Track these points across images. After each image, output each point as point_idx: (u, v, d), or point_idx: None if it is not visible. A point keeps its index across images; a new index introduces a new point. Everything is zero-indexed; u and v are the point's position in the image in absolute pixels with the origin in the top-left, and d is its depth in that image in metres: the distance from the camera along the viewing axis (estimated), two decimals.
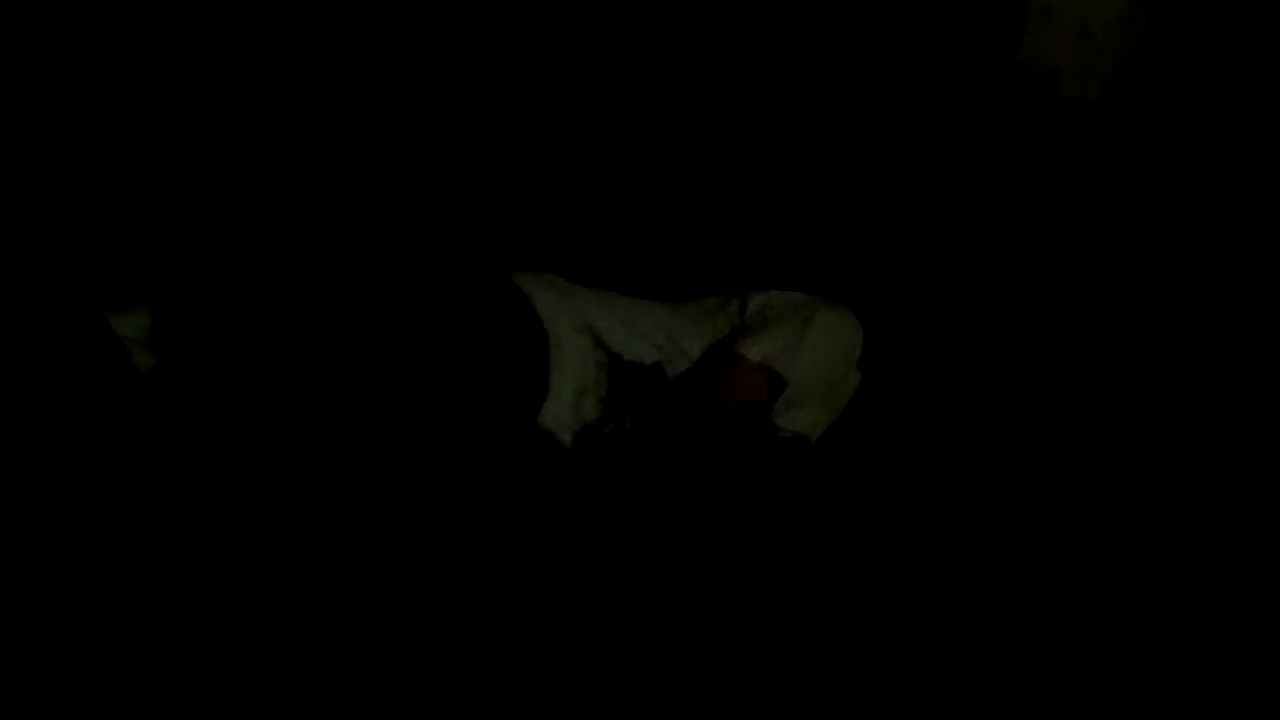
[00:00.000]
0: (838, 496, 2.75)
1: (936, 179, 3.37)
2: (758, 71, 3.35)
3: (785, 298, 2.79)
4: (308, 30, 3.16)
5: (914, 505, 2.75)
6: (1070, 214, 3.34)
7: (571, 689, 2.32)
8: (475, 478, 2.55)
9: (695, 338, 2.77)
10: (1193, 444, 2.94)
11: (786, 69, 3.37)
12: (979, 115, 3.41)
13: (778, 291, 2.80)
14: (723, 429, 2.70)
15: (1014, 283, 3.26)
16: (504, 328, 2.60)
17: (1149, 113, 3.35)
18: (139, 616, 2.30)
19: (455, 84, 3.22)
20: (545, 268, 2.79)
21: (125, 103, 3.02)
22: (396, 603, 2.39)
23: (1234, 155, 3.30)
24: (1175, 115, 3.34)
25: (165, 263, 2.77)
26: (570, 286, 2.75)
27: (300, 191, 3.04)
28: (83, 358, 2.42)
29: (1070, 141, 3.37)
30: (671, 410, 2.70)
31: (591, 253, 3.03)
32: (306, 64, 3.13)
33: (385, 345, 2.51)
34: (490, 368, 2.57)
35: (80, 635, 2.27)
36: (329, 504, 2.49)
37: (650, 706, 2.31)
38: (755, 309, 2.79)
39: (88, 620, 2.29)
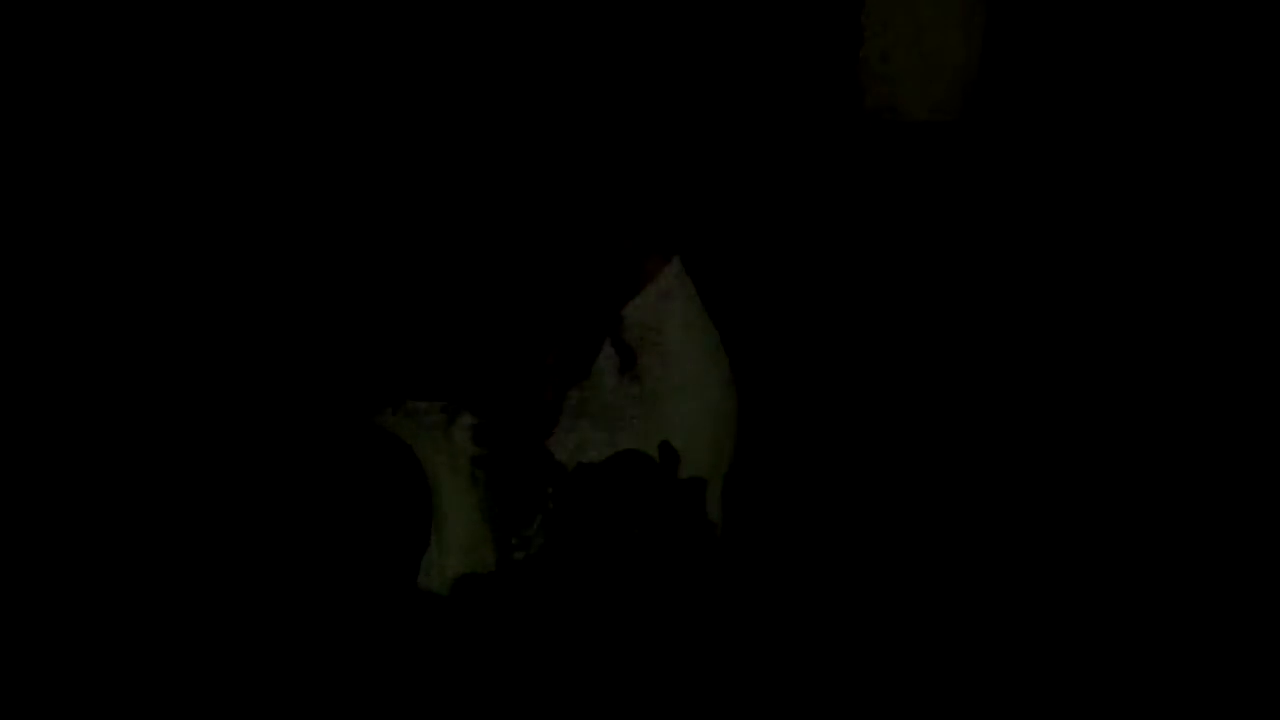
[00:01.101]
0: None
1: (787, 210, 3.26)
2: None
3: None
4: None
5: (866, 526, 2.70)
6: (929, 236, 3.26)
7: None
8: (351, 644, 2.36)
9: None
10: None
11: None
12: (825, 148, 3.30)
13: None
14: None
15: (877, 311, 3.16)
16: (376, 487, 2.40)
17: (1000, 127, 3.25)
18: None
19: None
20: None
21: None
22: None
23: (1093, 161, 3.22)
24: (1026, 127, 3.25)
25: None
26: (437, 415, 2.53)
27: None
28: None
29: (924, 164, 3.27)
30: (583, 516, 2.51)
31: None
32: None
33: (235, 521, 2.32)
34: (364, 530, 2.37)
35: None
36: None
37: None
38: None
39: None
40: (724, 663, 2.40)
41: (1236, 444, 2.90)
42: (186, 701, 2.23)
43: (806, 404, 2.95)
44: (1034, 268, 3.18)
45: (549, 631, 2.40)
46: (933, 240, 3.22)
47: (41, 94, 2.94)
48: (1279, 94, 3.24)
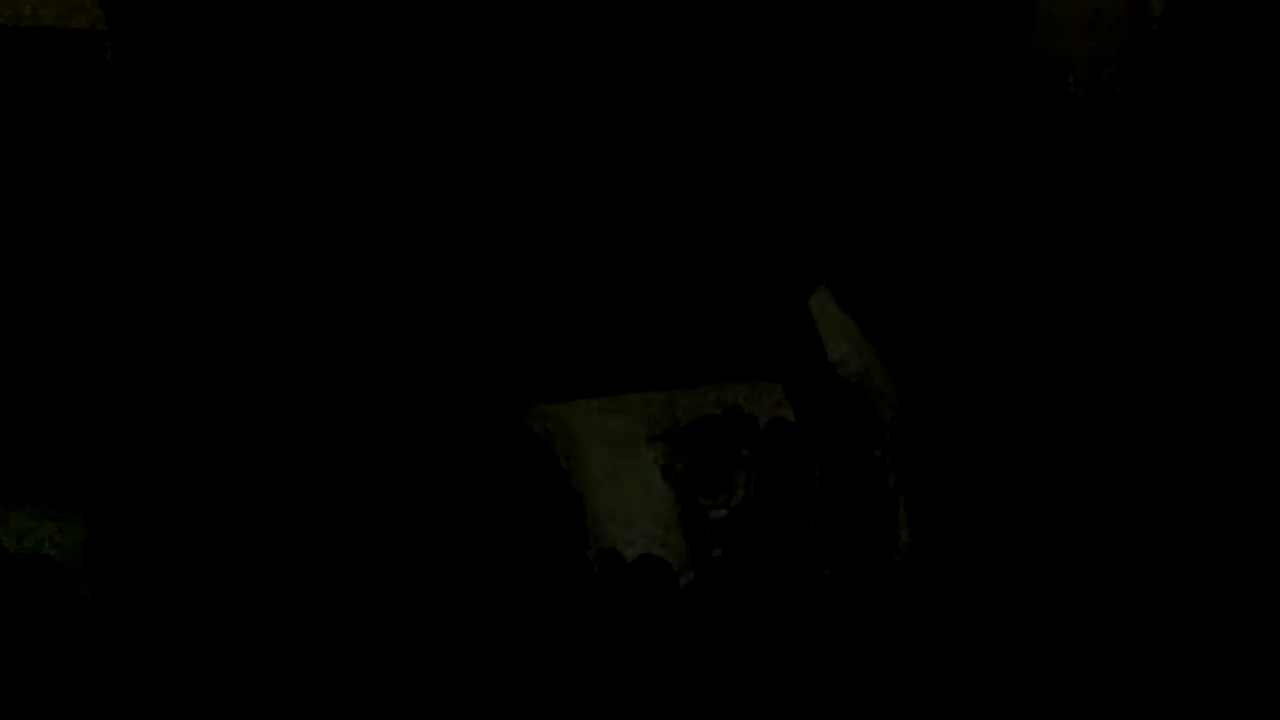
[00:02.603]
0: None
1: (950, 183, 3.17)
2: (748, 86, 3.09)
3: None
4: None
5: None
6: (1089, 215, 3.14)
7: None
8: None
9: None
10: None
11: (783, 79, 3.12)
12: (992, 113, 3.16)
13: None
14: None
15: (1029, 289, 3.07)
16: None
17: (1170, 105, 3.09)
18: None
19: None
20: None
21: None
22: None
23: (1263, 150, 3.06)
24: (1197, 107, 3.09)
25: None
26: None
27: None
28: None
29: (1088, 139, 3.12)
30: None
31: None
32: None
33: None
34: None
35: None
36: None
37: None
38: None
39: None
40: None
41: None
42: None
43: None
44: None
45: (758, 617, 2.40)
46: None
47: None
48: None
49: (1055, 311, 3.02)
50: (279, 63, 2.73)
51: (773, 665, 2.40)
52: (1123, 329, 3.01)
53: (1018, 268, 3.07)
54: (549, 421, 2.50)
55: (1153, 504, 2.73)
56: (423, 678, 2.29)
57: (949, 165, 3.15)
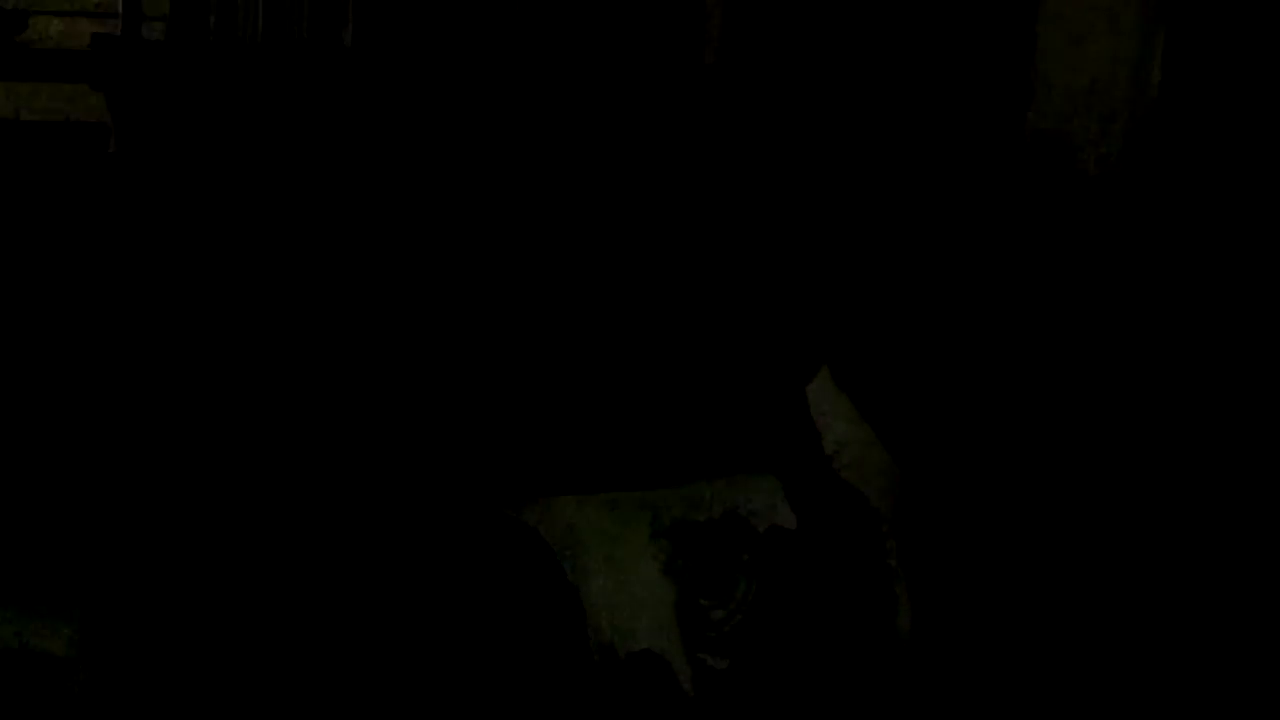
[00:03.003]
0: None
1: (948, 264, 3.09)
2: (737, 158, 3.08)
3: None
4: None
5: None
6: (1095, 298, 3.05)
7: None
8: None
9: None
10: None
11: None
12: (989, 193, 3.12)
13: None
14: None
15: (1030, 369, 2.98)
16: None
17: (1174, 182, 3.05)
18: None
19: None
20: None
21: None
22: None
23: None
24: (1203, 181, 3.04)
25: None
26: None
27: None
28: None
29: (1090, 217, 3.08)
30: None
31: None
32: None
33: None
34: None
35: None
36: None
37: None
38: None
39: None
40: None
41: None
42: None
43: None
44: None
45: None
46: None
47: None
48: None
49: (1056, 394, 2.98)
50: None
51: None
52: (1122, 414, 2.96)
53: (1019, 351, 3.04)
54: (544, 515, 2.47)
55: (1149, 587, 2.69)
56: None
57: (946, 247, 3.12)
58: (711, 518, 2.47)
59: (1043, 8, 3.11)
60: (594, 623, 2.34)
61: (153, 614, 2.30)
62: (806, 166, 3.07)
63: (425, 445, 2.65)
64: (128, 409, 2.59)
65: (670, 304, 2.83)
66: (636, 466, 2.56)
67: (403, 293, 2.79)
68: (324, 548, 2.41)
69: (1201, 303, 3.00)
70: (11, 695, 2.13)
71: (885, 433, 2.71)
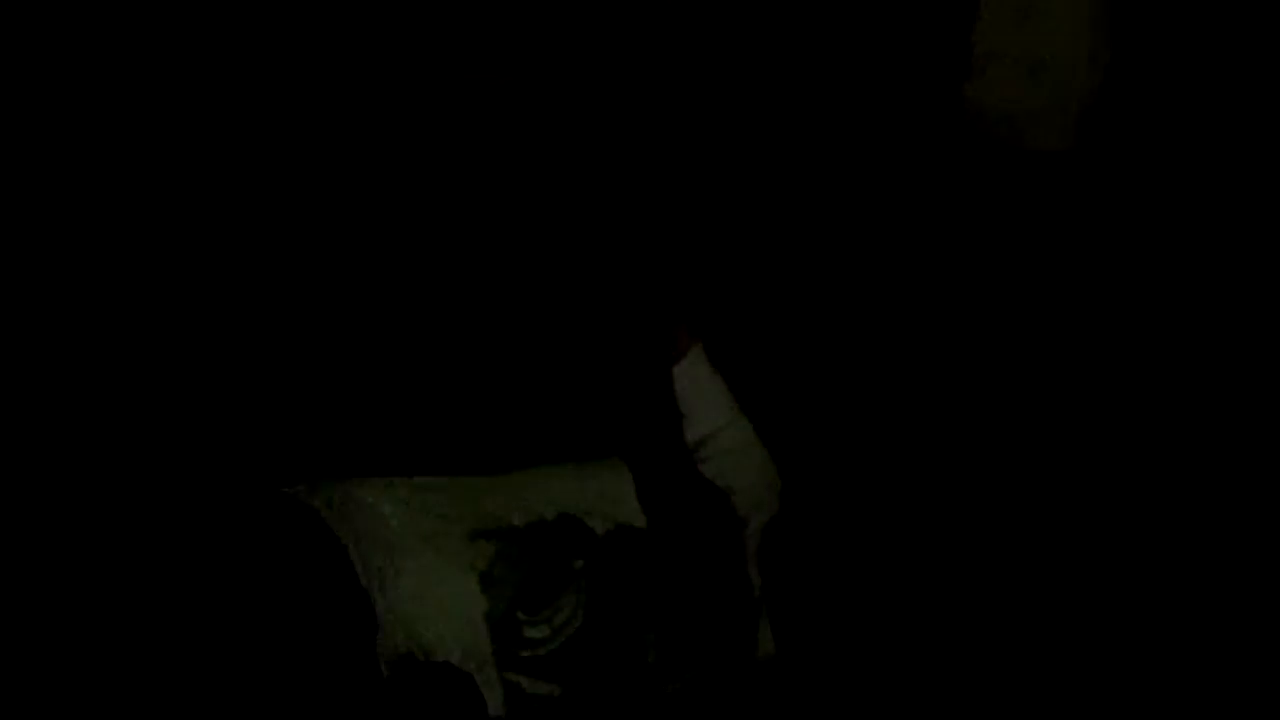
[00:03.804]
0: None
1: (885, 243, 2.99)
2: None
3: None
4: None
5: None
6: (1037, 277, 3.00)
7: None
8: None
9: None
10: None
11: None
12: (928, 168, 3.03)
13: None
14: None
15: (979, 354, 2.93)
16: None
17: (1123, 160, 3.02)
18: None
19: None
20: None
21: None
22: None
23: (1220, 204, 3.01)
24: (1150, 161, 3.03)
25: None
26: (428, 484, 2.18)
27: None
28: None
29: (1033, 196, 3.03)
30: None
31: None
32: None
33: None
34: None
35: None
36: None
37: None
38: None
39: None
40: None
41: None
42: None
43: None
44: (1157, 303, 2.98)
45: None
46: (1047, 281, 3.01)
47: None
48: None
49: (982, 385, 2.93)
50: None
51: None
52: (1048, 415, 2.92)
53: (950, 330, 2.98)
54: (343, 499, 2.11)
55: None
56: None
57: (874, 224, 2.99)
58: (543, 518, 2.18)
59: None
60: (389, 630, 2.03)
61: None
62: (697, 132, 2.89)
63: (207, 422, 2.34)
64: None
65: (499, 270, 2.59)
66: (461, 448, 2.28)
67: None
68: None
69: (1151, 279, 2.99)
70: None
71: (774, 423, 2.48)
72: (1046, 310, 2.96)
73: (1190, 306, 2.95)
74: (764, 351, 2.78)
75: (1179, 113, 3.02)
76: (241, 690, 2.02)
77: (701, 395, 2.42)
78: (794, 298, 2.92)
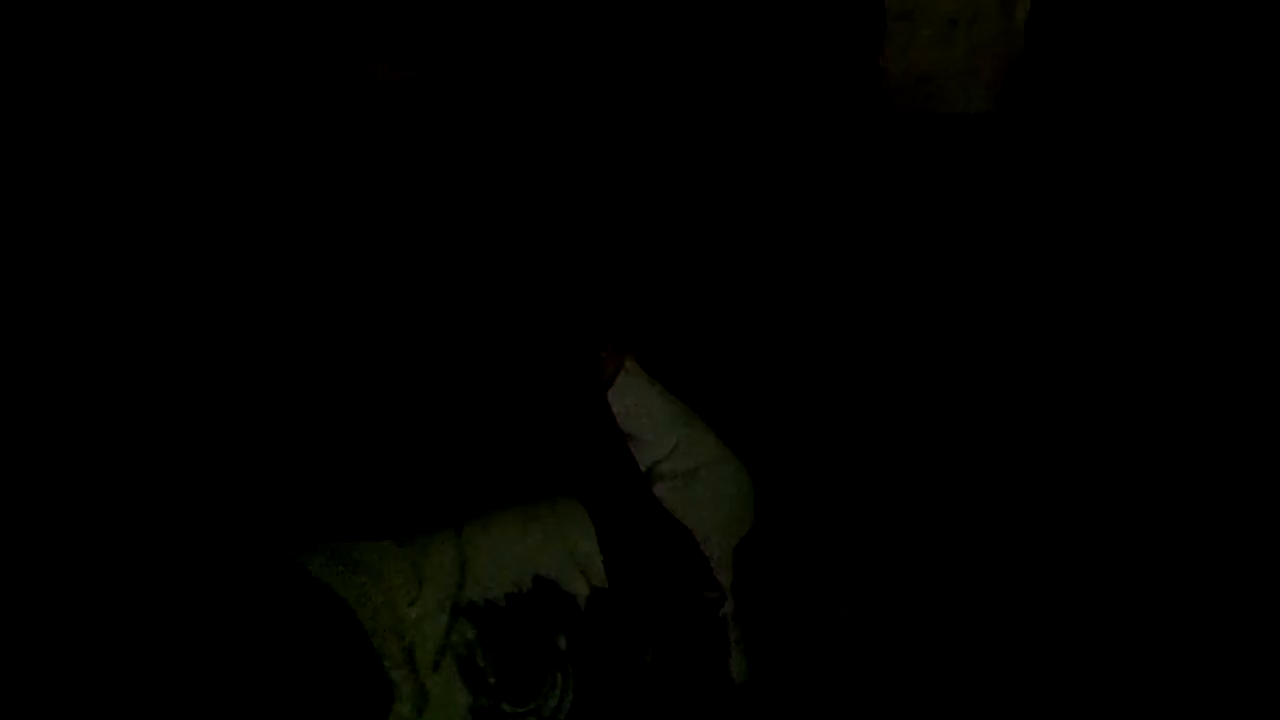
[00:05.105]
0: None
1: (796, 210, 2.86)
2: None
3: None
4: None
5: None
6: (961, 244, 2.88)
7: None
8: None
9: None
10: None
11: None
12: (841, 133, 2.90)
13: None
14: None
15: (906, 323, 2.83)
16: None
17: (1042, 122, 2.89)
18: None
19: None
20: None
21: None
22: None
23: (1146, 164, 2.89)
24: (1072, 123, 2.90)
25: None
26: (383, 551, 2.03)
27: None
28: None
29: (954, 161, 2.90)
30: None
31: None
32: None
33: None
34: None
35: None
36: None
37: None
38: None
39: None
40: None
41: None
42: None
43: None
44: (1072, 268, 2.86)
45: None
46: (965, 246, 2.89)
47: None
48: None
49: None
50: None
51: None
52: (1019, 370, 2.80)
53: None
54: (340, 560, 1.97)
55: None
56: None
57: (788, 197, 2.87)
58: (520, 589, 2.01)
59: None
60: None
61: None
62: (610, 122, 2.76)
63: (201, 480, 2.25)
64: None
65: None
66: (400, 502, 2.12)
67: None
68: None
69: (1078, 244, 2.88)
70: None
71: (735, 423, 2.32)
72: (971, 280, 2.84)
73: (1118, 272, 2.84)
74: (700, 347, 2.67)
75: (1105, 68, 2.89)
76: None
77: (646, 414, 2.20)
78: (715, 281, 2.80)
